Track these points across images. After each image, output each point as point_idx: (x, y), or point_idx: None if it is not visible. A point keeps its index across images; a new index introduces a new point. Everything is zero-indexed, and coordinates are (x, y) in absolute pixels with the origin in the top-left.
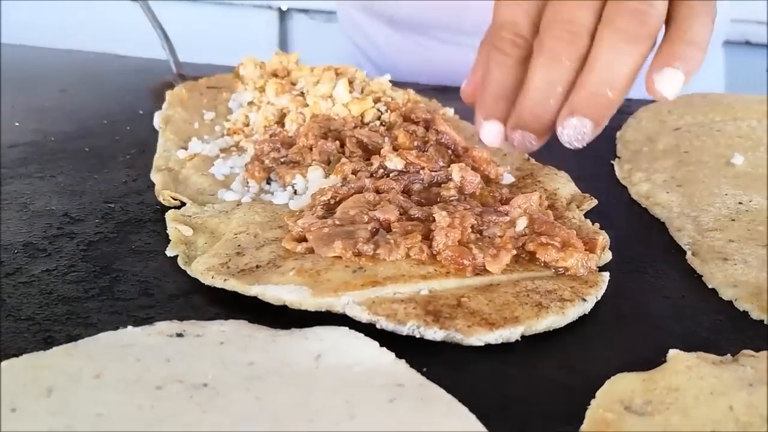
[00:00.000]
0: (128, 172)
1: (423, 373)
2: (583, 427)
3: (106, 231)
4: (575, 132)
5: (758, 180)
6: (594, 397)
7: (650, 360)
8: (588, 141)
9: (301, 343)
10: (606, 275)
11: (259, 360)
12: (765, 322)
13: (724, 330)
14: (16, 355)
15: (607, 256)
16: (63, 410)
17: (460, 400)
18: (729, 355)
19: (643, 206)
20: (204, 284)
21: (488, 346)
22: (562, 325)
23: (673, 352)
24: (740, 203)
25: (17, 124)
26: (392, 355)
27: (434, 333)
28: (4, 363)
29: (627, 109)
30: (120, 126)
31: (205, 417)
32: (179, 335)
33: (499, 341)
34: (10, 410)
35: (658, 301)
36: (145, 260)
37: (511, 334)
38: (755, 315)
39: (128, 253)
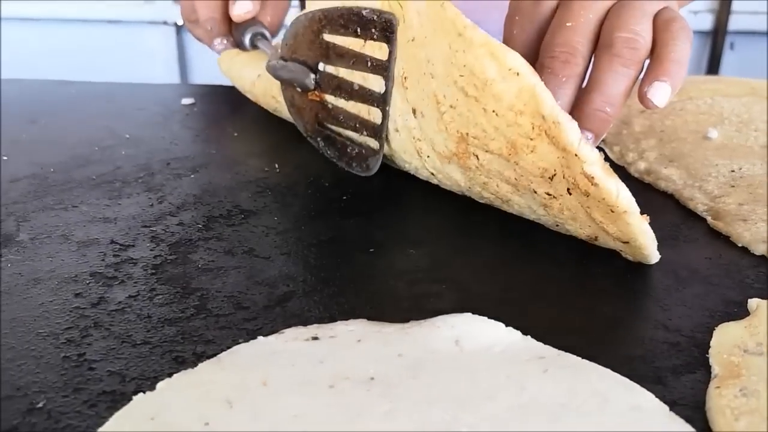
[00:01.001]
0: (149, 195)
1: None
2: (716, 372)
3: (163, 254)
4: None
5: (736, 150)
6: (699, 347)
7: (726, 312)
8: None
9: (435, 332)
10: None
11: (405, 351)
12: None
13: None
14: (156, 378)
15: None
16: (257, 417)
17: None
18: None
19: (646, 182)
20: (292, 292)
21: (583, 316)
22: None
23: (755, 301)
24: (732, 171)
25: (5, 158)
26: (519, 333)
27: None
28: (161, 384)
29: None
30: (114, 152)
31: (395, 405)
32: (315, 338)
33: None
34: (204, 424)
35: (704, 262)
36: (218, 277)
37: None
38: None
39: (198, 272)
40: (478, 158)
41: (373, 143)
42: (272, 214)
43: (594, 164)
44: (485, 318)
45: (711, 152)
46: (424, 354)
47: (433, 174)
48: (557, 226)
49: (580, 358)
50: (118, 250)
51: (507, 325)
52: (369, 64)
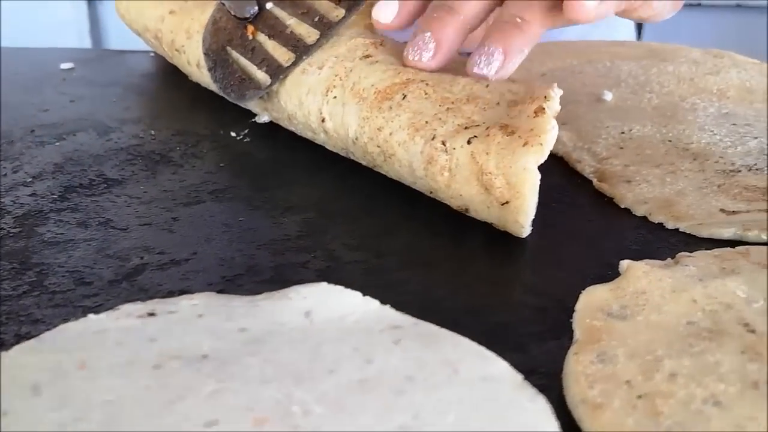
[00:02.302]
0: (3, 165)
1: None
2: (577, 337)
3: (6, 227)
4: None
5: (629, 111)
6: (567, 312)
7: (600, 274)
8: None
9: (286, 303)
10: None
11: (249, 326)
12: (680, 229)
13: (649, 241)
14: None
15: None
16: (64, 404)
17: None
18: (669, 258)
19: None
20: (145, 265)
21: (454, 283)
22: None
23: (626, 262)
24: (622, 133)
25: None
26: (377, 302)
27: None
28: None
29: None
30: None
31: (223, 385)
32: (151, 314)
33: None
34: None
35: (585, 225)
36: (64, 251)
37: None
38: (670, 225)
39: (42, 246)
40: (407, 88)
41: (264, 79)
42: (140, 183)
43: None
44: (342, 287)
45: (604, 114)
46: (269, 328)
47: (323, 120)
48: (431, 193)
49: (438, 327)
50: None
51: (374, 295)
52: (316, 19)
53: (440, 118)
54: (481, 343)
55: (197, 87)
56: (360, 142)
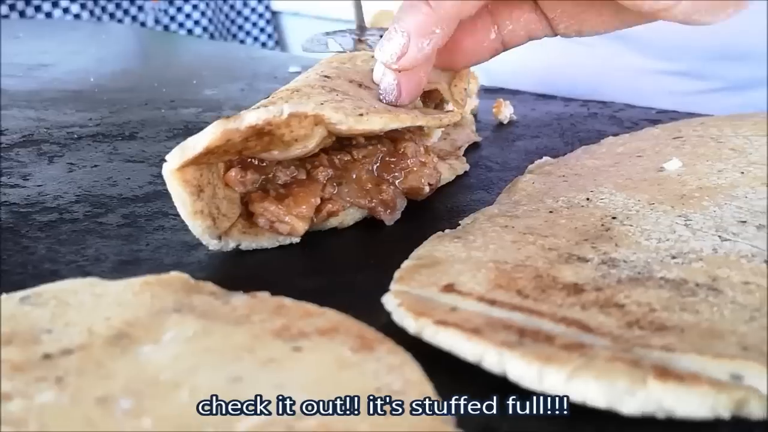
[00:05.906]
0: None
1: None
2: None
3: None
4: None
5: (660, 184)
6: None
7: None
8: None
9: None
10: None
11: None
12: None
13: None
14: None
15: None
16: None
17: None
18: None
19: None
20: None
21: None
22: None
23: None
24: (587, 199)
25: None
26: None
27: None
28: None
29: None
30: None
31: None
32: None
33: None
34: None
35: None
36: None
37: None
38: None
39: None
40: None
41: None
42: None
43: None
44: None
45: (629, 181)
46: None
47: None
48: None
49: None
50: None
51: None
52: None
53: (311, 85)
54: None
55: None
56: None
